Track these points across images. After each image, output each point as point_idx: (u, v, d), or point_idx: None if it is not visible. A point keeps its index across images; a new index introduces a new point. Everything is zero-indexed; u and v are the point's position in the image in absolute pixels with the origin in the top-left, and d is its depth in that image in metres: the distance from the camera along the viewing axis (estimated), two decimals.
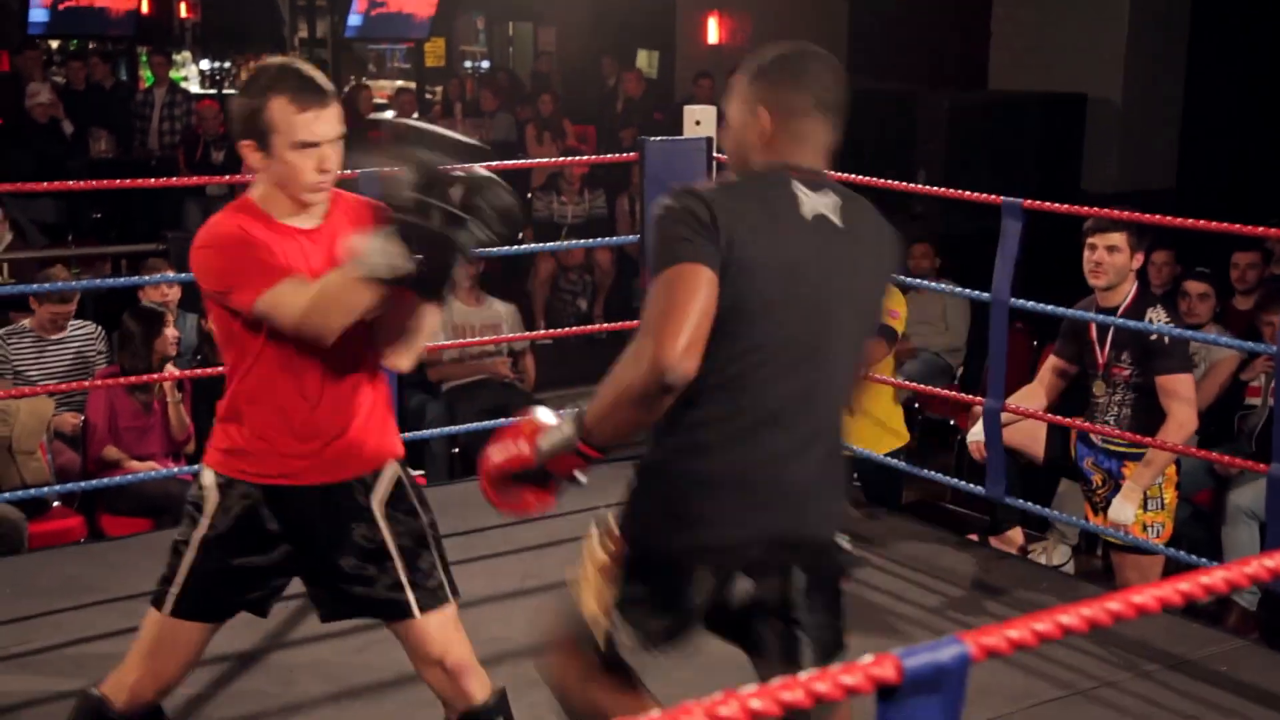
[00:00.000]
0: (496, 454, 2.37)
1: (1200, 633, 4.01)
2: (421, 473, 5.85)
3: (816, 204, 2.29)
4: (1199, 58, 9.69)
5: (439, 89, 14.01)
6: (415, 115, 12.07)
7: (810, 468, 2.29)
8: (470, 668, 2.77)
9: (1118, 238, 4.25)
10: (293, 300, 2.49)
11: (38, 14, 12.41)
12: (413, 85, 14.59)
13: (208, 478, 2.72)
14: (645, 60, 13.41)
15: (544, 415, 2.37)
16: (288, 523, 2.69)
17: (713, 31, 12.74)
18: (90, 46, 13.33)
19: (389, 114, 9.16)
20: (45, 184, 5.01)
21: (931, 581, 4.36)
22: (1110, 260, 4.26)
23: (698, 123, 5.39)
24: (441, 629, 2.75)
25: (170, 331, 5.39)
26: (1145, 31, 9.57)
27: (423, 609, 2.72)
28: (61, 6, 12.51)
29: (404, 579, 2.72)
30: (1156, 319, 4.22)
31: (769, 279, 2.20)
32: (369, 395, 2.71)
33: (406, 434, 5.23)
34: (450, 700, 2.77)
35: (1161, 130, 9.77)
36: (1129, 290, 4.30)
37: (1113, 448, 4.38)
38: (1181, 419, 4.20)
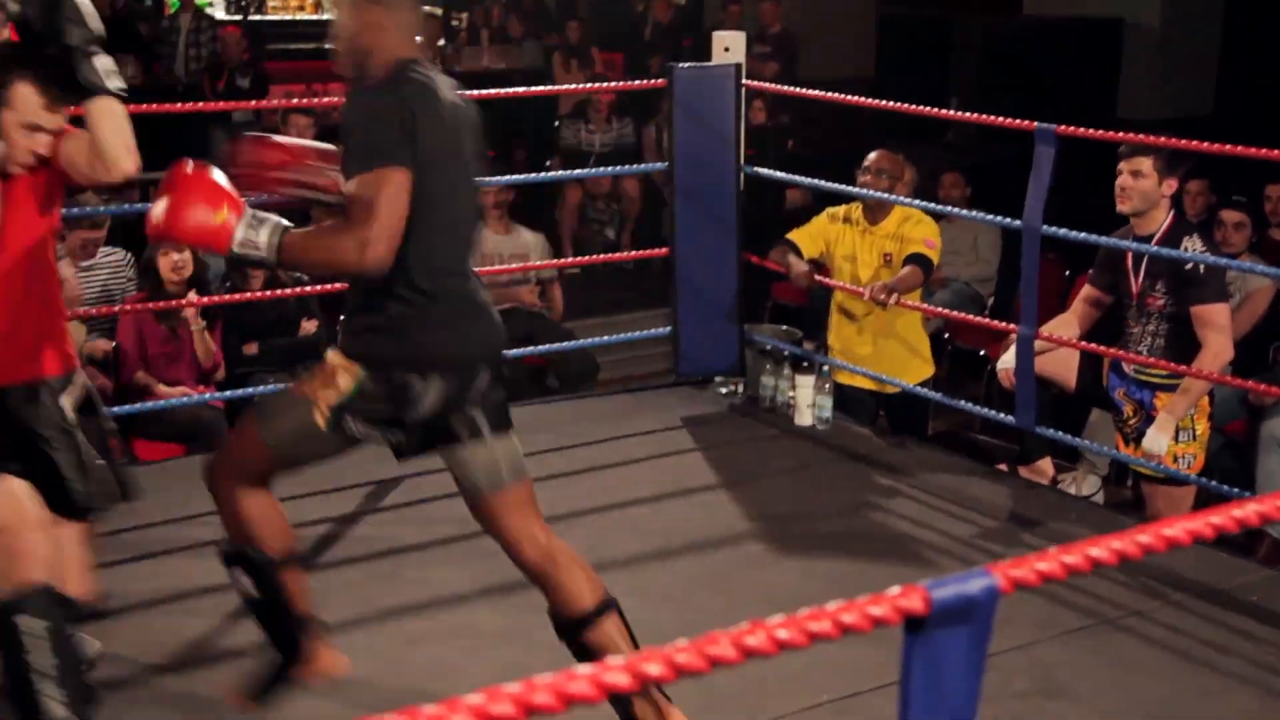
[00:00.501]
0: (190, 217, 2.72)
1: (1230, 563, 4.00)
2: None
3: (445, 86, 2.75)
4: None
5: (464, 15, 13.87)
6: (441, 41, 11.97)
7: (483, 292, 2.86)
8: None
9: (1144, 163, 4.17)
10: None
11: None
12: (438, 11, 14.43)
13: None
14: None
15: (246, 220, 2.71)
16: None
17: None
18: None
19: None
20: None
21: (960, 512, 4.36)
22: (1135, 185, 4.19)
23: (726, 49, 5.32)
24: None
25: (176, 256, 5.34)
26: None
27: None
28: None
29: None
30: (1192, 248, 4.16)
31: (450, 168, 2.72)
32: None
33: None
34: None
35: (1200, 56, 9.60)
36: (1163, 219, 4.24)
37: (1145, 378, 4.35)
38: (1216, 349, 4.16)
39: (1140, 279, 4.30)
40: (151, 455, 5.18)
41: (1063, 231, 4.31)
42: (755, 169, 5.41)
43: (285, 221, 2.73)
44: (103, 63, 2.89)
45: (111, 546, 3.94)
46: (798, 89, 6.02)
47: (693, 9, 12.77)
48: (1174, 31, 9.43)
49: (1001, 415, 4.66)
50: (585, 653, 2.79)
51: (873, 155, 5.10)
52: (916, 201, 5.13)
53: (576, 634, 2.81)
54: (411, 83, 2.69)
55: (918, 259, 4.90)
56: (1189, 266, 4.15)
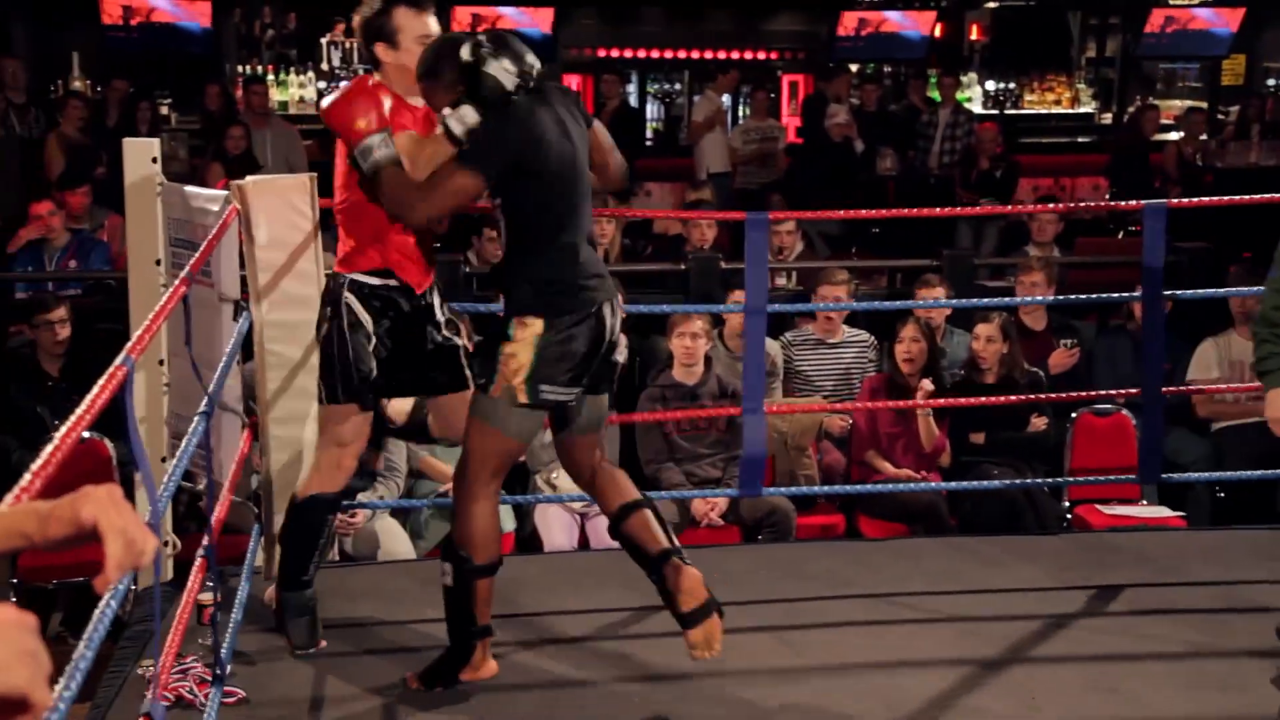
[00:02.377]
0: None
1: None
2: (1181, 514, 5.54)
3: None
4: None
5: (1233, 109, 13.13)
6: (1203, 136, 11.41)
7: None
8: None
9: None
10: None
11: (847, 40, 13.34)
12: (1204, 104, 13.80)
13: None
14: None
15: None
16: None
17: None
18: (885, 69, 14.09)
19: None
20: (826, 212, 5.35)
21: None
22: None
23: None
24: None
25: (907, 347, 5.50)
26: None
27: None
28: (865, 32, 13.32)
29: None
30: None
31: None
32: None
33: (1167, 476, 5.03)
34: None
35: None
36: None
37: None
38: None
39: None
40: (875, 532, 5.38)
41: None
42: None
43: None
44: (464, 111, 3.32)
45: (833, 611, 4.15)
46: None
47: None
48: None
49: None
50: (625, 539, 3.56)
51: None
52: None
53: (616, 527, 3.56)
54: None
55: None
56: None
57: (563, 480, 5.25)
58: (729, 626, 4.00)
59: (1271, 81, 14.69)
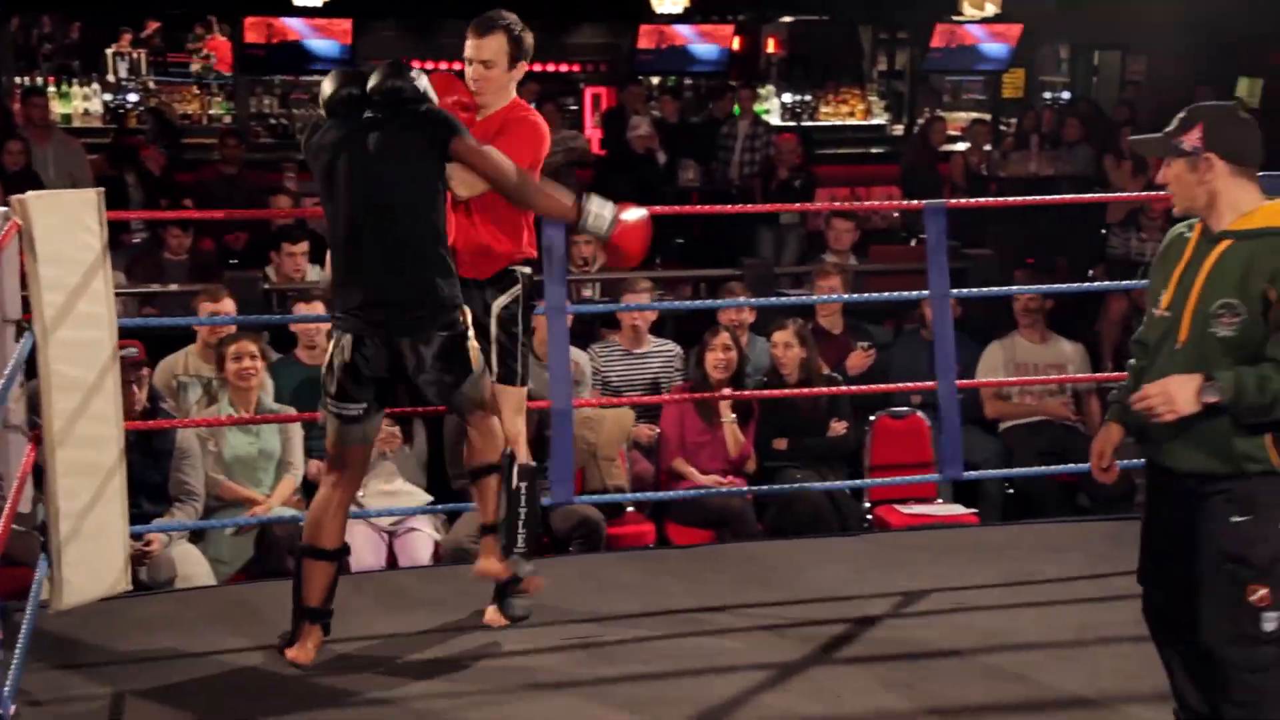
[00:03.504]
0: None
1: None
2: (974, 510, 5.76)
3: None
4: None
5: (1014, 120, 13.73)
6: (987, 147, 11.90)
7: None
8: None
9: None
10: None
11: (646, 54, 13.47)
12: (987, 116, 14.40)
13: None
14: (1246, 88, 12.45)
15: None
16: None
17: None
18: (685, 82, 14.26)
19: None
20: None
21: None
22: None
23: None
24: None
25: (719, 355, 5.59)
26: None
27: None
28: (665, 45, 13.48)
29: None
30: None
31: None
32: None
33: (969, 474, 5.22)
34: None
35: None
36: None
37: None
38: None
39: None
40: (683, 539, 5.44)
41: None
42: None
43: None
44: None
45: (642, 623, 4.18)
46: None
47: (1269, 112, 11.94)
48: None
49: None
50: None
51: None
52: None
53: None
54: None
55: None
56: None
57: (370, 498, 5.17)
58: (539, 643, 4.01)
59: (1047, 94, 15.41)
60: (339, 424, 3.79)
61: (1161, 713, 3.31)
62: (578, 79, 14.16)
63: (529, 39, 4.04)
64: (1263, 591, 2.88)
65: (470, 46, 3.96)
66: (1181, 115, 3.03)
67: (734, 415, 5.63)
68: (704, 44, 13.61)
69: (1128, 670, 3.75)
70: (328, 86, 3.73)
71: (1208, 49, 12.21)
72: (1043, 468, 5.53)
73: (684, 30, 13.49)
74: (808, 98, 14.62)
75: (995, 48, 14.26)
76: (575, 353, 6.00)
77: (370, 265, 3.64)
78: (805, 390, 5.60)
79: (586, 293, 7.26)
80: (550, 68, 13.86)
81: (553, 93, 12.86)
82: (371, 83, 3.67)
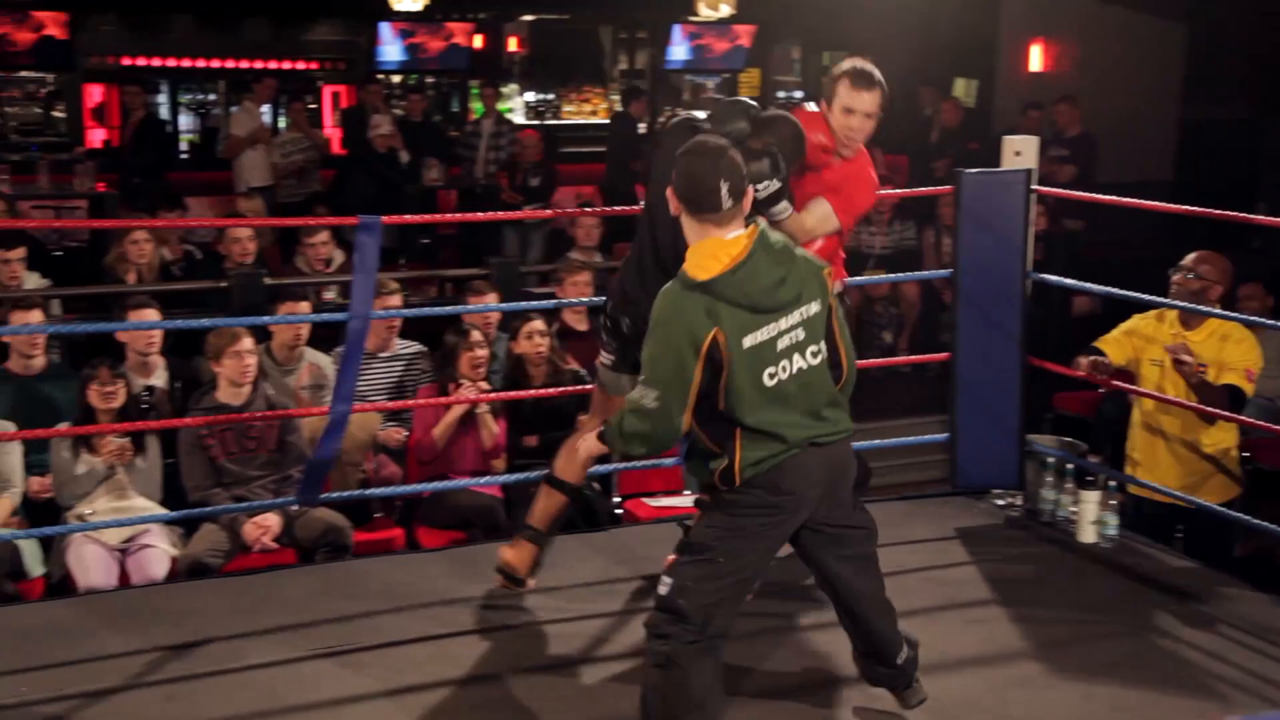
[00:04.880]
0: None
1: None
2: None
3: None
4: None
5: None
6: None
7: None
8: None
9: None
10: None
11: (387, 51, 13.26)
12: None
13: None
14: (963, 89, 13.11)
15: None
16: None
17: (1035, 59, 12.35)
18: (427, 80, 14.12)
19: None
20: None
21: (1258, 644, 4.05)
22: None
23: (1018, 154, 5.21)
24: None
25: (476, 353, 5.59)
26: None
27: None
28: (406, 43, 13.32)
29: None
30: None
31: None
32: None
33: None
34: None
35: None
36: None
37: None
38: None
39: None
40: (434, 542, 5.38)
41: None
42: (1044, 276, 5.26)
43: None
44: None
45: (392, 627, 4.11)
46: (1092, 194, 5.81)
47: (981, 113, 12.61)
48: None
49: None
50: None
51: (1193, 255, 4.88)
52: (1218, 311, 4.86)
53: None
54: None
55: (1232, 390, 4.68)
56: None
57: (101, 514, 4.92)
58: (288, 653, 3.90)
59: (781, 94, 15.90)
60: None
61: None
62: (315, 76, 13.83)
63: None
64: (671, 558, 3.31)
65: (853, 97, 4.00)
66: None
67: (487, 407, 5.60)
68: (445, 42, 13.51)
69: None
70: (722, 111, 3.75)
71: (928, 50, 12.82)
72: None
73: (424, 28, 13.36)
74: (551, 96, 14.69)
75: (731, 48, 14.64)
76: (318, 356, 5.87)
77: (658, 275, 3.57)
78: (554, 390, 5.62)
79: (329, 295, 7.10)
80: (287, 65, 13.51)
81: (290, 90, 12.54)
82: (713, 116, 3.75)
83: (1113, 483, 4.87)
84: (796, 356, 3.18)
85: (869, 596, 3.41)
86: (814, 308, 3.22)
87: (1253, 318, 4.98)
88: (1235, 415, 4.72)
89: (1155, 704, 3.61)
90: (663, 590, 3.21)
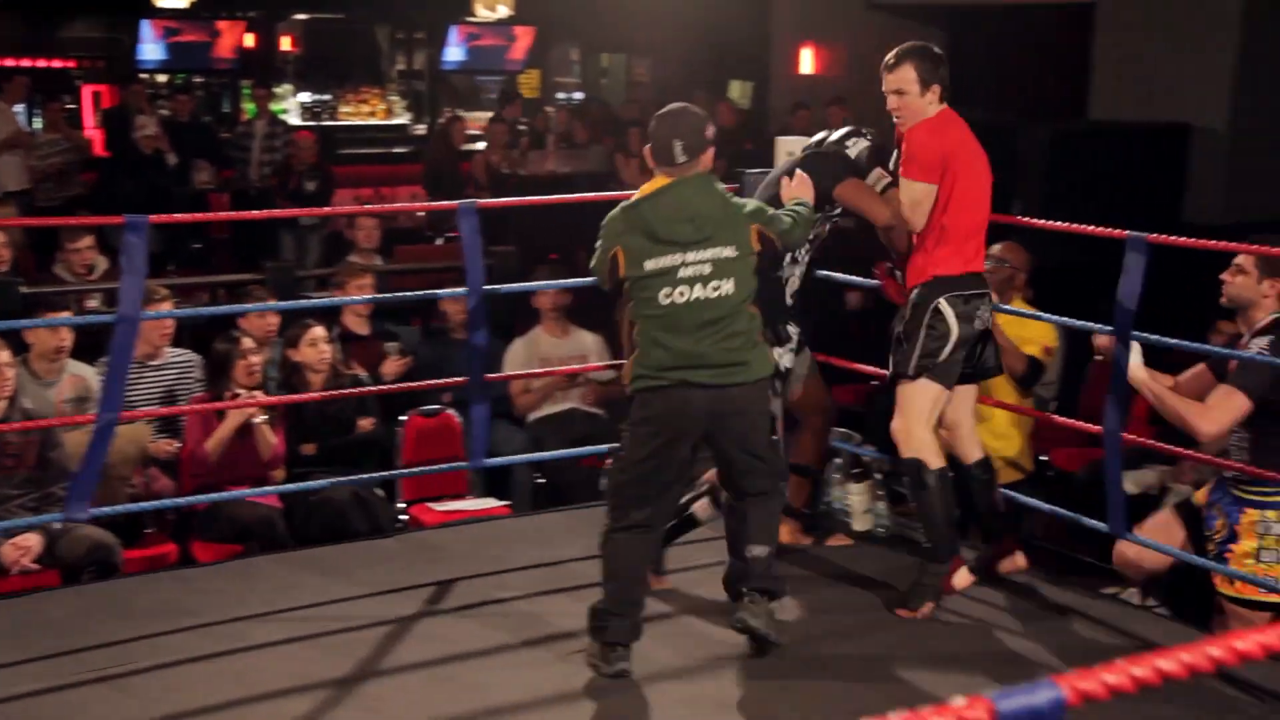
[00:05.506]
0: None
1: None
2: (507, 503, 5.85)
3: None
4: None
5: (529, 121, 14.13)
6: (505, 145, 12.16)
7: None
8: None
9: (1246, 260, 4.14)
10: None
11: (150, 50, 12.76)
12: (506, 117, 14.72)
13: None
14: (738, 90, 13.41)
15: None
16: None
17: (806, 62, 12.71)
18: (196, 80, 13.67)
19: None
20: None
21: (1029, 621, 4.24)
22: (1234, 281, 4.17)
23: (790, 154, 5.33)
24: None
25: (252, 360, 5.43)
26: (1255, 59, 9.35)
27: None
28: (171, 41, 12.85)
29: None
30: (1257, 344, 4.06)
31: None
32: None
33: (495, 460, 5.30)
34: None
35: (1269, 161, 9.52)
36: (1262, 319, 4.14)
37: (1239, 493, 4.15)
38: (1209, 414, 4.03)
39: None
40: (209, 556, 5.20)
41: (1156, 338, 4.20)
42: (820, 272, 5.38)
43: None
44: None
45: (172, 646, 3.95)
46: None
47: (756, 114, 12.91)
48: (1242, 136, 9.38)
49: (1092, 521, 4.49)
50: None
51: (998, 246, 5.20)
52: (1006, 307, 5.05)
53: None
54: None
55: (1031, 361, 5.16)
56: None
57: None
58: (54, 681, 3.70)
59: (561, 95, 15.97)
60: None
61: (697, 682, 3.47)
62: (74, 75, 13.23)
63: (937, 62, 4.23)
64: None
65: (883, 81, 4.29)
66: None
67: (265, 416, 5.44)
68: (212, 40, 13.11)
69: (646, 641, 3.93)
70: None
71: (704, 53, 13.07)
72: (564, 451, 5.67)
73: (190, 25, 12.93)
74: (327, 97, 14.41)
75: (511, 49, 14.62)
76: (81, 368, 5.60)
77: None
78: (336, 392, 5.50)
79: (91, 304, 6.78)
80: (42, 63, 12.87)
81: (46, 90, 11.95)
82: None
83: (879, 475, 5.02)
84: (698, 286, 3.63)
85: (751, 525, 3.83)
86: (726, 252, 3.66)
87: (1023, 310, 5.19)
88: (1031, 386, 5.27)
89: (931, 685, 3.73)
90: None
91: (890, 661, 3.94)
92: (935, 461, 4.21)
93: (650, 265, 3.63)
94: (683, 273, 3.61)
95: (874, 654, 4.00)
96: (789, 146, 5.35)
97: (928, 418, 4.25)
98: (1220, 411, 4.05)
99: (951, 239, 4.20)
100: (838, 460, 5.15)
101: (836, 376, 5.42)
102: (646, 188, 3.73)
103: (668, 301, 3.62)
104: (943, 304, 4.18)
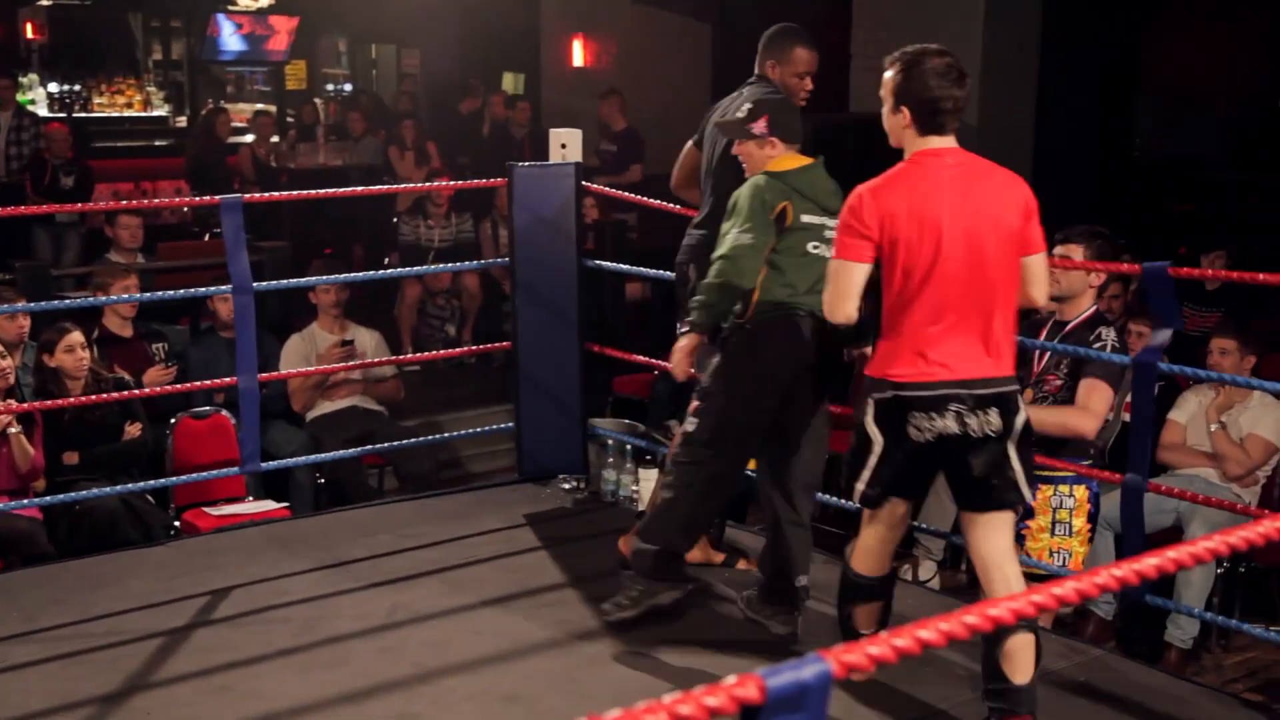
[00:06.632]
0: None
1: (1058, 644, 4.08)
2: (285, 504, 5.73)
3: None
4: (1050, 82, 9.99)
5: (297, 112, 13.80)
6: (274, 139, 11.86)
7: None
8: None
9: (1074, 250, 4.33)
10: None
11: None
12: (273, 108, 14.34)
13: None
14: (511, 83, 13.39)
15: None
16: None
17: (578, 54, 12.78)
18: None
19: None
20: None
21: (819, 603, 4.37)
22: (1062, 271, 4.31)
23: (563, 146, 5.37)
24: None
25: (2, 363, 5.17)
26: (999, 55, 9.84)
27: None
28: None
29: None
30: (1107, 337, 4.25)
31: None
32: None
33: (269, 464, 5.18)
34: None
35: (1014, 156, 10.03)
36: (1086, 307, 4.34)
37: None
38: (1082, 413, 4.22)
39: (1044, 360, 4.40)
40: None
41: None
42: (596, 262, 5.45)
43: None
44: None
45: None
46: (626, 193, 6.03)
47: (529, 106, 12.91)
48: (990, 132, 9.86)
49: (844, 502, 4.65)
50: None
51: None
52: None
53: None
54: None
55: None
56: (1095, 346, 4.23)
57: None
58: None
59: (330, 86, 15.64)
60: None
61: (481, 677, 3.45)
62: None
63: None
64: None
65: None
66: (749, 106, 4.11)
67: (19, 426, 5.17)
68: None
69: (433, 640, 3.92)
70: None
71: (476, 44, 12.99)
72: (344, 451, 5.58)
73: None
74: (78, 87, 13.77)
75: (273, 39, 14.24)
76: None
77: None
78: (96, 398, 5.27)
79: None
80: None
81: None
82: None
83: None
84: (823, 249, 3.93)
85: (802, 465, 4.06)
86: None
87: None
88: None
89: (717, 666, 3.81)
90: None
91: (674, 648, 4.01)
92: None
93: (805, 219, 4.00)
94: (825, 234, 3.97)
95: (660, 643, 4.06)
96: (562, 139, 5.39)
97: None
98: (1095, 405, 4.25)
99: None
100: (624, 446, 5.21)
101: (618, 368, 5.49)
102: (785, 162, 4.02)
103: (815, 251, 3.97)
104: None
